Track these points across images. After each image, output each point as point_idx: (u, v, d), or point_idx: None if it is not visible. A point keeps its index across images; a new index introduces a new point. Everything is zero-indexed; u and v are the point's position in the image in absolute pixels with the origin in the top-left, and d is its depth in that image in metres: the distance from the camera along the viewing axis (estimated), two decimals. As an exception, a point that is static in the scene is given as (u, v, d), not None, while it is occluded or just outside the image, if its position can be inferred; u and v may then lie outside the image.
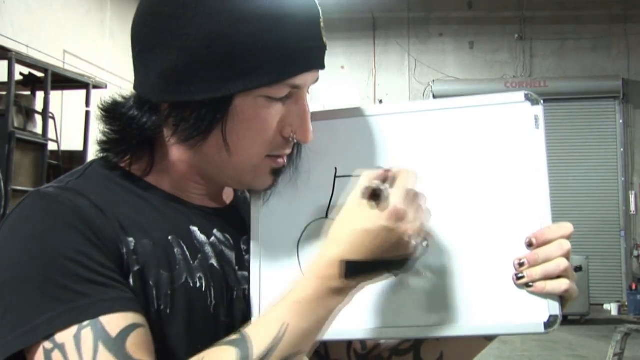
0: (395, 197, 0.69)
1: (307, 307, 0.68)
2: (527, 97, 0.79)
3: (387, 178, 0.71)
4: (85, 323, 0.66)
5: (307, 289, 0.69)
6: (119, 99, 0.81)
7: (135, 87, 0.80)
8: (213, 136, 0.76)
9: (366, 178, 0.71)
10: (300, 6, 0.75)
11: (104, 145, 0.81)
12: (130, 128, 0.78)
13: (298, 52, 0.74)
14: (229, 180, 0.82)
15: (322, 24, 0.78)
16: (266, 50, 0.72)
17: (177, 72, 0.73)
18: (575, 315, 8.31)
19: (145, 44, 0.76)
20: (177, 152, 0.80)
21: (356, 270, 0.69)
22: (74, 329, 0.66)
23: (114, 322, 0.66)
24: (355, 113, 0.85)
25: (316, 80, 0.80)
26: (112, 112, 0.80)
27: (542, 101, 0.79)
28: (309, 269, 0.71)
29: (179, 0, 0.73)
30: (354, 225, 0.69)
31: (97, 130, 0.82)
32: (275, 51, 0.73)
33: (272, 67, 0.73)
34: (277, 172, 0.82)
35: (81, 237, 0.70)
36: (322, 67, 0.79)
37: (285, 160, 0.82)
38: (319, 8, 0.78)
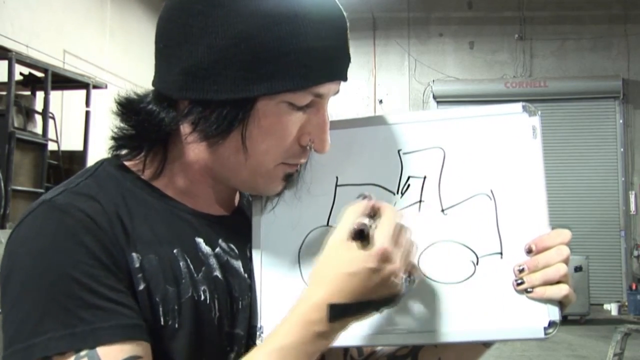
0: (380, 237, 0.67)
1: (290, 354, 0.66)
2: (525, 109, 0.80)
3: (371, 212, 0.70)
4: (82, 353, 0.64)
5: (290, 335, 0.67)
6: (134, 96, 0.80)
7: (154, 83, 0.79)
8: (232, 137, 0.75)
9: (350, 215, 0.70)
10: (330, 16, 0.75)
11: (119, 141, 0.80)
12: (147, 123, 0.77)
13: (325, 61, 0.74)
14: (241, 183, 0.82)
15: (348, 37, 0.77)
16: (294, 56, 0.72)
17: (201, 69, 0.73)
18: (575, 315, 8.31)
19: (171, 39, 0.76)
20: (192, 153, 0.79)
21: (342, 313, 0.67)
22: (71, 358, 0.64)
23: (112, 353, 0.65)
24: (356, 123, 0.86)
25: (337, 92, 0.80)
26: (129, 107, 0.79)
27: (539, 112, 0.80)
28: (292, 312, 0.68)
29: None
30: (338, 268, 0.67)
31: (112, 126, 0.80)
32: (302, 57, 0.72)
33: (298, 73, 0.72)
34: (288, 178, 0.81)
35: (90, 257, 0.68)
36: (345, 78, 0.78)
37: (299, 167, 0.81)
38: (347, 21, 0.78)
